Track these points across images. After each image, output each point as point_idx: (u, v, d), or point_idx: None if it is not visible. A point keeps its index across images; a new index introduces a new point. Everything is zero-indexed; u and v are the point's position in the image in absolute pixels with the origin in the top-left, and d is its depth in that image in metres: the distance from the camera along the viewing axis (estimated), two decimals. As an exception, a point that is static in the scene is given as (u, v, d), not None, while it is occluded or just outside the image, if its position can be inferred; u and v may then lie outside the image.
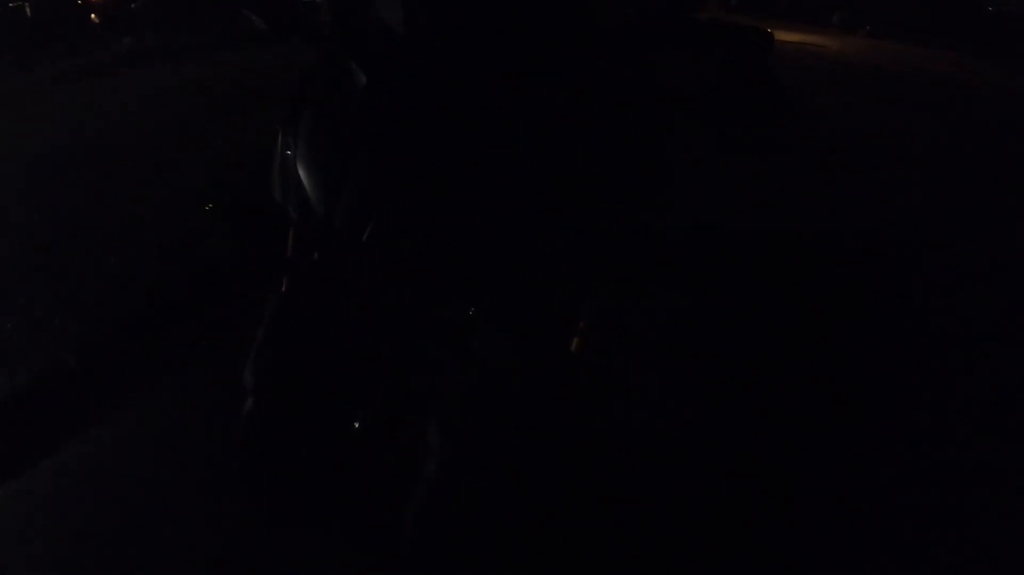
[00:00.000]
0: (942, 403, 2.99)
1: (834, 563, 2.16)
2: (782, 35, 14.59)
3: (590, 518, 2.01)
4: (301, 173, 1.63)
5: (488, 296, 1.53)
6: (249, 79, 9.66)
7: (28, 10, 23.27)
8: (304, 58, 1.98)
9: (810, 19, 18.75)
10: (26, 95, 10.63)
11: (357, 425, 1.51)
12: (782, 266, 4.40)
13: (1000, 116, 9.65)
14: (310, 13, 1.89)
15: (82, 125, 7.65)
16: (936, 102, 10.22)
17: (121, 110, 8.26)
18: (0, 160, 6.48)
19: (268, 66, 9.63)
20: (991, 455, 2.70)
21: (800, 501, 2.41)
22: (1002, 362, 3.42)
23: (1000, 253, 4.94)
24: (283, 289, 1.73)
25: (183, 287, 3.40)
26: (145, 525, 2.22)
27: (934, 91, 11.26)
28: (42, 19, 21.93)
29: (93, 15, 21.67)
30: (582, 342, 1.68)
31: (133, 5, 19.10)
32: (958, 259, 4.74)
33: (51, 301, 3.50)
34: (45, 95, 10.47)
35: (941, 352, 3.48)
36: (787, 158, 5.83)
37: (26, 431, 2.73)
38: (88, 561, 2.15)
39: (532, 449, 1.58)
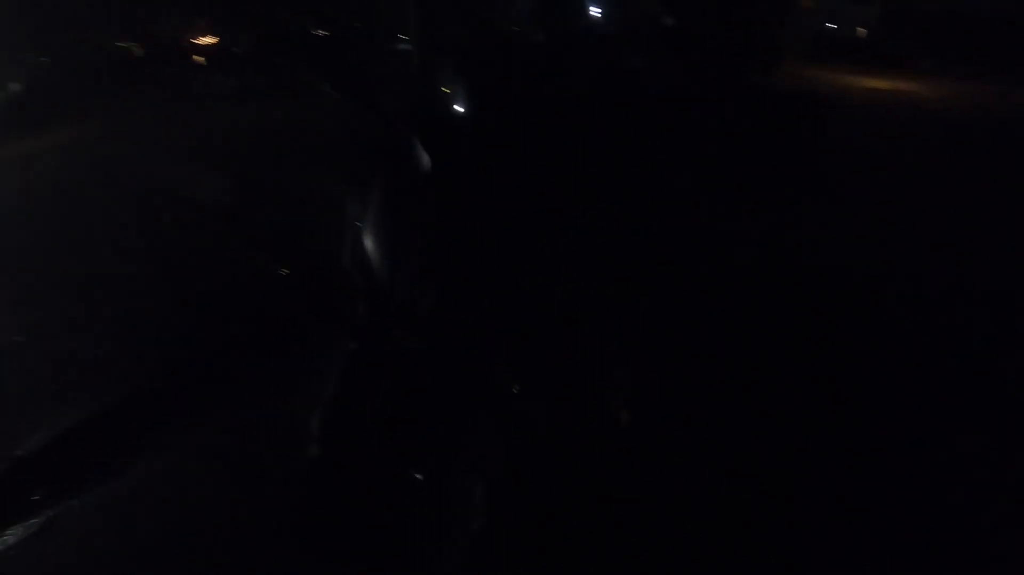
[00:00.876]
0: (942, 405, 2.91)
1: (834, 563, 2.14)
2: (869, 82, 14.31)
3: (590, 518, 1.98)
4: (368, 245, 1.74)
5: (533, 364, 1.57)
6: (335, 121, 10.09)
7: (136, 50, 25.05)
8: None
9: (900, 64, 18.34)
10: (125, 125, 11.37)
11: (420, 477, 1.62)
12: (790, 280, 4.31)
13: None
14: (377, 87, 2.06)
15: (177, 156, 8.13)
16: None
17: (214, 145, 8.71)
18: (98, 189, 6.97)
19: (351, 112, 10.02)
20: (990, 457, 2.61)
21: (800, 501, 2.39)
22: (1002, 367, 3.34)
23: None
24: (351, 349, 1.80)
25: (257, 334, 3.56)
26: (192, 545, 2.34)
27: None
28: (150, 58, 23.54)
29: (197, 56, 23.11)
30: (627, 410, 1.70)
31: (236, 49, 20.27)
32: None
33: (137, 326, 3.76)
34: (145, 127, 11.18)
35: (942, 358, 3.38)
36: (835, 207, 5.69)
37: (109, 443, 2.92)
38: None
39: (559, 489, 1.60)
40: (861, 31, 22.09)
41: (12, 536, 2.46)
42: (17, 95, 22.66)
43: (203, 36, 23.57)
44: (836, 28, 23.24)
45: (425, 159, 1.47)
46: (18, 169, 9.88)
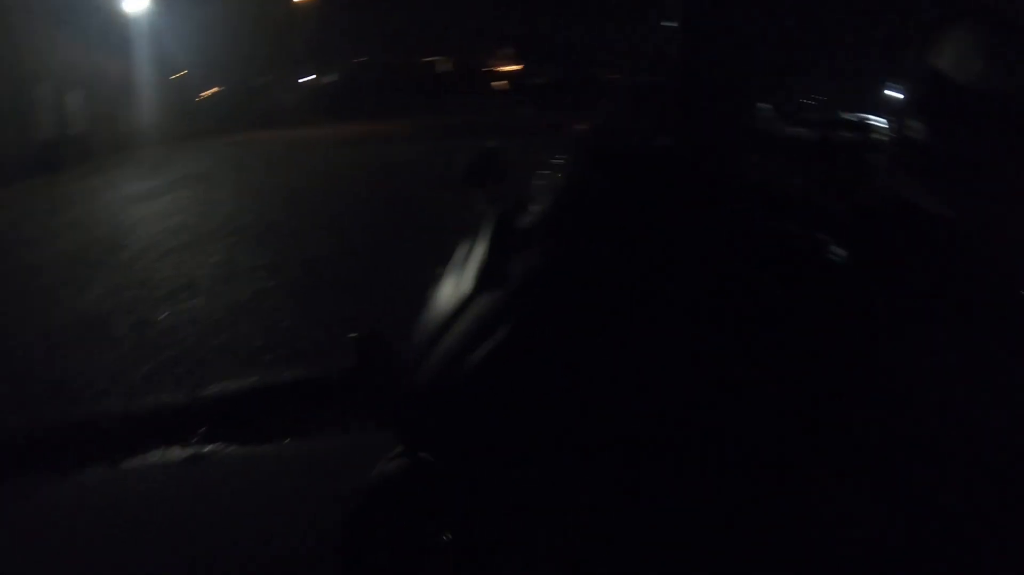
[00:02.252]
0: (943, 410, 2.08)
1: (834, 564, 1.90)
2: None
3: (591, 520, 1.86)
4: (419, 328, 1.88)
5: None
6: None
7: (441, 65, 27.04)
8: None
9: None
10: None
11: (446, 538, 1.72)
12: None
13: None
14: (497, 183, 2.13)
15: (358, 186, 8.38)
16: None
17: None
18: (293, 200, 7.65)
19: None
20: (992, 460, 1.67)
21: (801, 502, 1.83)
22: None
23: None
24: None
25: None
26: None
27: None
28: (453, 75, 25.10)
29: (498, 82, 24.33)
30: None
31: (536, 80, 20.86)
32: None
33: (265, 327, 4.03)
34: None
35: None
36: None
37: (267, 411, 3.20)
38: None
39: None
40: None
41: (171, 455, 2.87)
42: (326, 87, 25.88)
43: (508, 63, 24.61)
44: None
45: (472, 276, 1.68)
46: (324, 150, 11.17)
